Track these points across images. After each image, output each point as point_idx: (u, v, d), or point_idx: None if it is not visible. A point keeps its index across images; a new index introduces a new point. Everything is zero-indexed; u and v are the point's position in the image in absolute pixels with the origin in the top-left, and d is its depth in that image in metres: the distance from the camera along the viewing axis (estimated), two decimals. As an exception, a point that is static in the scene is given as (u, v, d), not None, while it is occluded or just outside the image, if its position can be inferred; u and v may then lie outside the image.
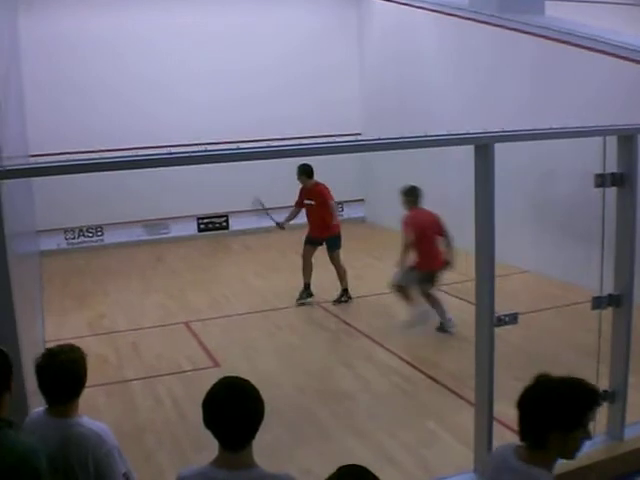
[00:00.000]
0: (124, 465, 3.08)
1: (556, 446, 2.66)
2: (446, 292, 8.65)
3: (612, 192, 4.68)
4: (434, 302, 7.89)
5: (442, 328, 7.85)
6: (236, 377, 2.71)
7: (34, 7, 12.06)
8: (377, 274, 10.61)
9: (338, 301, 9.15)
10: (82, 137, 11.92)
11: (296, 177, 9.19)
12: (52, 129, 12.16)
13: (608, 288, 4.76)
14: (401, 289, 7.91)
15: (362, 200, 14.91)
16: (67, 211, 12.66)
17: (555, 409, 2.63)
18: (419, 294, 7.89)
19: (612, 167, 4.64)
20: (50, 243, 12.79)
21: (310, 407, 6.15)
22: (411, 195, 7.96)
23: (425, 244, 7.76)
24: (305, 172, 9.15)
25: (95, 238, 13.32)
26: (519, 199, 9.50)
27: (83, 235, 13.27)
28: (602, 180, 4.59)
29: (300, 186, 9.31)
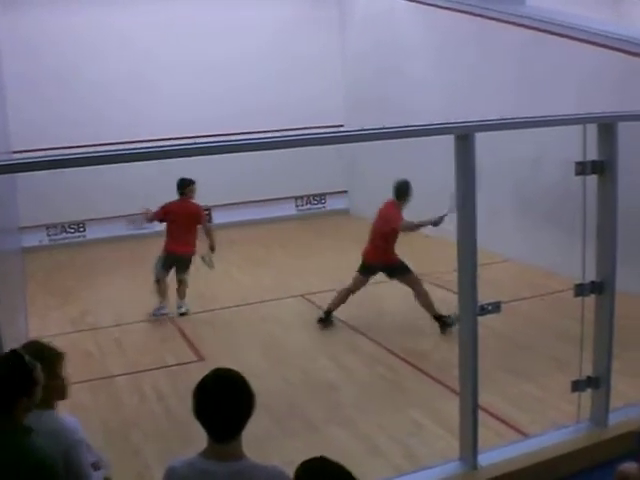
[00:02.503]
0: (93, 455, 3.07)
1: None
2: (430, 282, 8.66)
3: (594, 180, 4.71)
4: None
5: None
6: (227, 369, 2.71)
7: (15, 2, 11.95)
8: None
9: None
10: (66, 133, 11.84)
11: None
12: (36, 125, 12.04)
13: (590, 276, 4.79)
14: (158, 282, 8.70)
15: (345, 192, 14.90)
16: (49, 207, 12.55)
17: None
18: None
19: (593, 155, 4.67)
20: (32, 239, 12.68)
21: (296, 399, 6.16)
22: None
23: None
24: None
25: (77, 234, 13.24)
26: (501, 187, 9.51)
27: (65, 231, 13.18)
28: (583, 168, 4.61)
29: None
